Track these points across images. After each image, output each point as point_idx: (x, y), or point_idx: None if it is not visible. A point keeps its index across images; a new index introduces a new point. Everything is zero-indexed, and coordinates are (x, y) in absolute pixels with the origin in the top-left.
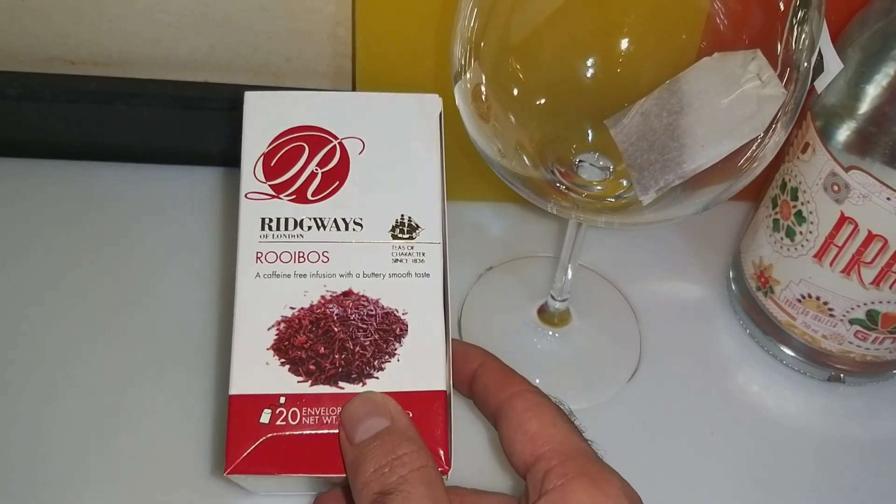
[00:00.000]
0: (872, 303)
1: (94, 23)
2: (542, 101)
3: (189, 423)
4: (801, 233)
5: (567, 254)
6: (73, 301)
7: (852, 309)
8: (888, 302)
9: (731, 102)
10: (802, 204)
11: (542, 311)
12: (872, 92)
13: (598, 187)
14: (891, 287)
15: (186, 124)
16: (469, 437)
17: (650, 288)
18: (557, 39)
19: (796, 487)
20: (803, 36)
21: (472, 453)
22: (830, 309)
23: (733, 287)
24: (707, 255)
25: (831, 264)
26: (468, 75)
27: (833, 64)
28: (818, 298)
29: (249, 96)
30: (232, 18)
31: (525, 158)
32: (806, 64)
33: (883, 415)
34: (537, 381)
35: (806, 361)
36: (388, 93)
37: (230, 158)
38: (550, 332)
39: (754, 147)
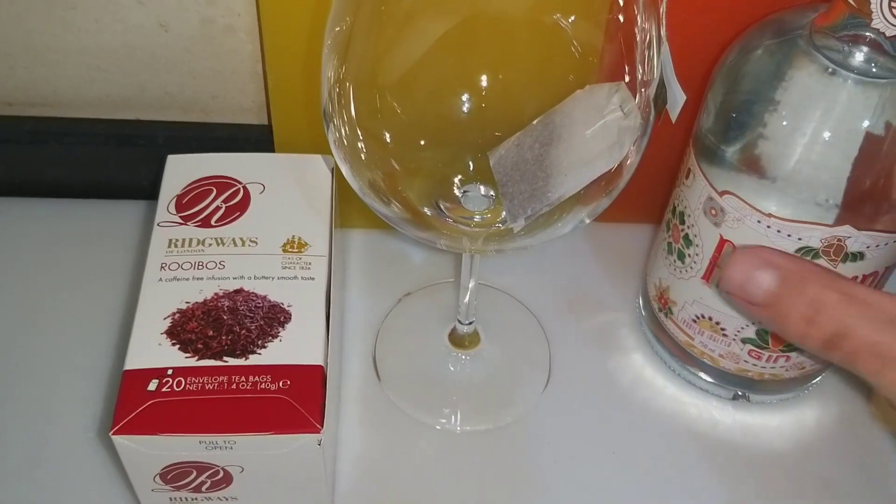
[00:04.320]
0: (760, 322)
1: (28, 67)
2: (422, 142)
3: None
4: (689, 255)
5: (466, 278)
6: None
7: (742, 329)
8: None
9: (593, 133)
10: (689, 227)
11: (453, 335)
12: (736, 120)
13: (478, 217)
14: None
15: (118, 161)
16: None
17: (563, 310)
18: (432, 78)
19: None
20: (652, 67)
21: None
22: (723, 329)
23: (642, 309)
24: (621, 278)
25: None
26: (338, 121)
27: (678, 95)
28: (710, 319)
29: (171, 159)
30: (159, 60)
31: (410, 198)
32: (645, 91)
33: (788, 431)
34: (446, 409)
35: (711, 381)
36: (291, 154)
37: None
38: (461, 355)
39: (612, 171)
